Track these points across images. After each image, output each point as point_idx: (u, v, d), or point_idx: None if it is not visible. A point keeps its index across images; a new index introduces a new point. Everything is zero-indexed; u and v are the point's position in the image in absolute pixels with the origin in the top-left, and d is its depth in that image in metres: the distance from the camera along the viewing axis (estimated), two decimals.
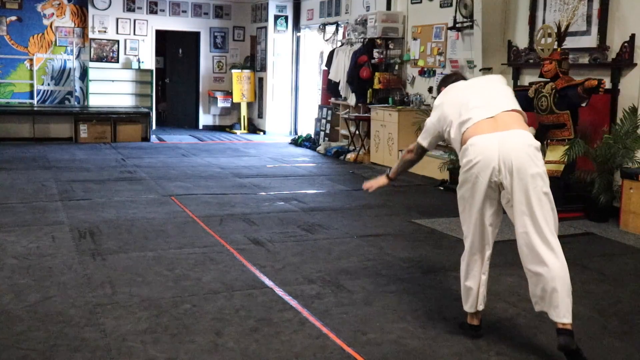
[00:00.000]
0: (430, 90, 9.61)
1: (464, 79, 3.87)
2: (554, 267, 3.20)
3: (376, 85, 10.33)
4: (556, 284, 3.18)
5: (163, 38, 14.84)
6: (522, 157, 3.25)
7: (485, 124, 3.36)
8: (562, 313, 3.17)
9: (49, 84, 13.52)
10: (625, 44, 6.55)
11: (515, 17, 8.06)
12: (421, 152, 3.82)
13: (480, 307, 3.48)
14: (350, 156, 10.59)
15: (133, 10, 13.93)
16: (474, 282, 3.46)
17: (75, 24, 13.60)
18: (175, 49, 15.15)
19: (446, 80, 3.92)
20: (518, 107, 3.55)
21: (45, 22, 13.38)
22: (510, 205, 3.31)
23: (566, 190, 6.66)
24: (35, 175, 8.22)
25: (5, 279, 4.23)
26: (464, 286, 3.50)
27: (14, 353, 3.15)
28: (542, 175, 3.27)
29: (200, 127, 14.96)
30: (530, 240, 3.25)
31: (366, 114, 10.59)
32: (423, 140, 3.76)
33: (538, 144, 3.39)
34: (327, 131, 12.07)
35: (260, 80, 14.51)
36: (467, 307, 3.49)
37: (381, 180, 3.95)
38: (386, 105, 10.10)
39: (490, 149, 3.28)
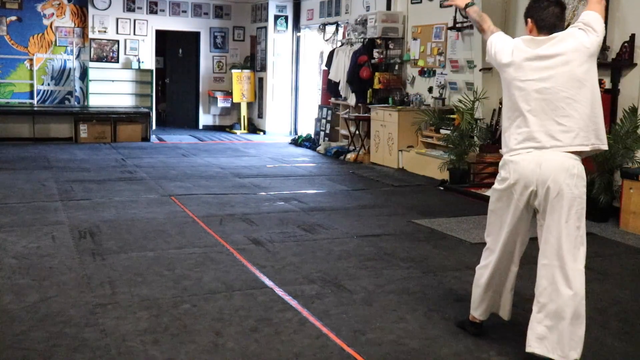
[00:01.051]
0: (430, 90, 9.61)
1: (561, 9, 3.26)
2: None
3: (376, 85, 10.33)
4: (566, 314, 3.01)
5: (163, 38, 14.83)
6: (560, 182, 3.05)
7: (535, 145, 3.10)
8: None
9: (49, 84, 13.52)
10: (625, 44, 6.55)
11: (515, 17, 8.06)
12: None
13: (500, 313, 3.48)
14: (350, 156, 10.58)
15: (133, 10, 13.93)
16: (494, 293, 3.41)
17: (75, 24, 13.60)
18: (175, 49, 15.15)
19: (537, 11, 3.26)
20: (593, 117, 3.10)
21: (45, 22, 13.38)
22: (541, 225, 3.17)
23: None
24: (35, 175, 8.22)
25: (5, 279, 4.23)
26: (481, 294, 3.41)
27: (14, 353, 3.15)
28: (579, 198, 3.07)
29: (200, 127, 14.96)
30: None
31: (366, 114, 10.59)
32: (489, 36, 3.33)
33: (580, 169, 3.12)
34: (327, 131, 12.07)
35: (260, 80, 14.51)
36: (478, 313, 3.46)
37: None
38: (386, 105, 10.10)
39: (530, 169, 3.08)
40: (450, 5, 3.68)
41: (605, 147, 3.13)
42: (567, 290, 3.02)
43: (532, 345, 3.06)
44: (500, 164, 3.28)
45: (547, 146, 3.08)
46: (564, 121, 3.07)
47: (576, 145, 3.08)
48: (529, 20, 3.30)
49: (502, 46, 3.28)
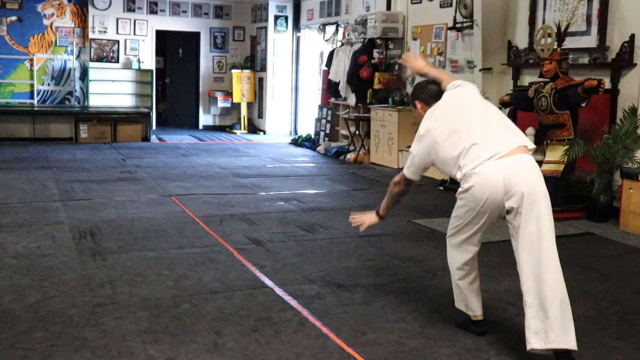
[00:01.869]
0: None
1: (438, 85, 3.60)
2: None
3: (376, 85, 10.33)
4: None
5: (163, 38, 14.83)
6: (529, 181, 3.18)
7: (487, 157, 3.25)
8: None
9: (49, 84, 13.52)
10: (625, 44, 6.55)
11: (515, 17, 8.07)
12: (409, 183, 3.61)
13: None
14: (350, 156, 10.59)
15: (133, 11, 13.93)
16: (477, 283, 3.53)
17: (75, 24, 13.60)
18: (175, 49, 15.14)
19: (421, 93, 3.64)
20: (513, 129, 3.40)
21: (46, 22, 13.38)
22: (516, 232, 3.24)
23: (566, 190, 6.66)
24: (35, 175, 8.22)
25: (5, 279, 4.23)
26: (476, 290, 3.51)
27: (14, 353, 3.15)
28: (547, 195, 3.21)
29: (200, 127, 14.96)
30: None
31: (366, 114, 10.59)
32: (411, 174, 3.54)
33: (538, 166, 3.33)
34: (327, 131, 12.08)
35: (260, 80, 14.51)
36: (476, 308, 3.52)
37: (371, 218, 3.76)
38: (386, 105, 10.10)
39: (495, 176, 3.20)
40: (360, 228, 3.84)
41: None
42: (551, 282, 3.10)
43: (531, 342, 3.09)
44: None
45: (504, 152, 3.24)
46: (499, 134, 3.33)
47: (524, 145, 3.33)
48: (417, 102, 3.64)
49: (425, 149, 3.46)
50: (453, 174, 3.39)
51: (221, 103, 14.82)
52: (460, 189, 3.36)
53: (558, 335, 3.05)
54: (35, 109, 12.71)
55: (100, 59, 13.74)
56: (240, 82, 14.52)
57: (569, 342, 3.06)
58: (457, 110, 3.43)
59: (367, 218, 3.78)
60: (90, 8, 13.50)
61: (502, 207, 3.26)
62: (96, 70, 13.66)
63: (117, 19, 13.78)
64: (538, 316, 3.09)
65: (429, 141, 3.42)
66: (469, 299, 3.52)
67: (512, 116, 7.99)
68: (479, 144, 3.25)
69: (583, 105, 6.56)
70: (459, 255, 3.49)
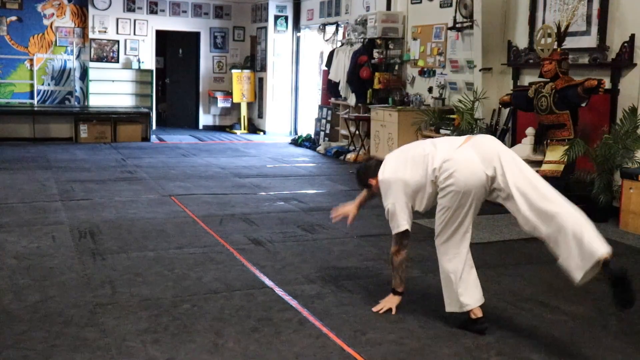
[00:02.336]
0: (430, 90, 9.62)
1: (374, 159, 3.94)
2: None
3: (376, 85, 10.33)
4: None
5: (163, 38, 14.84)
6: (498, 145, 3.53)
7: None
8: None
9: (49, 84, 13.52)
10: (625, 44, 6.55)
11: (515, 17, 8.07)
12: (407, 239, 3.75)
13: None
14: (350, 156, 10.58)
15: (133, 11, 13.93)
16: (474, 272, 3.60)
17: (75, 24, 13.60)
18: (175, 49, 15.15)
19: (368, 171, 3.87)
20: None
21: (46, 22, 13.38)
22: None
23: (566, 190, 6.65)
24: (35, 175, 8.22)
25: (5, 279, 4.23)
26: (475, 279, 3.56)
27: (14, 353, 3.16)
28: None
29: (200, 127, 14.96)
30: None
31: (366, 114, 10.59)
32: (404, 223, 3.68)
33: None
34: (327, 131, 12.07)
35: (260, 80, 14.51)
36: (475, 300, 3.54)
37: (394, 300, 3.82)
38: (386, 105, 10.10)
39: (468, 154, 3.49)
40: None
41: None
42: (559, 213, 3.26)
43: (576, 277, 3.19)
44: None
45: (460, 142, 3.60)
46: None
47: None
48: (370, 180, 3.85)
49: (403, 192, 3.67)
50: (430, 187, 3.58)
51: (221, 103, 14.82)
52: (442, 184, 3.50)
53: (599, 244, 3.14)
54: (35, 109, 12.71)
55: (100, 59, 13.74)
56: (240, 82, 14.52)
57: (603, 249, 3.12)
58: (403, 150, 3.81)
59: (391, 302, 3.82)
60: (90, 8, 13.50)
61: (485, 180, 3.42)
62: (96, 70, 13.66)
63: (117, 19, 13.78)
64: (572, 252, 3.17)
65: (395, 182, 3.64)
66: (468, 290, 3.53)
67: (512, 116, 8.01)
68: (438, 150, 3.58)
69: (583, 105, 6.56)
70: (463, 245, 3.54)
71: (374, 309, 3.84)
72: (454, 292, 3.55)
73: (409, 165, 3.63)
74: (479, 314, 3.54)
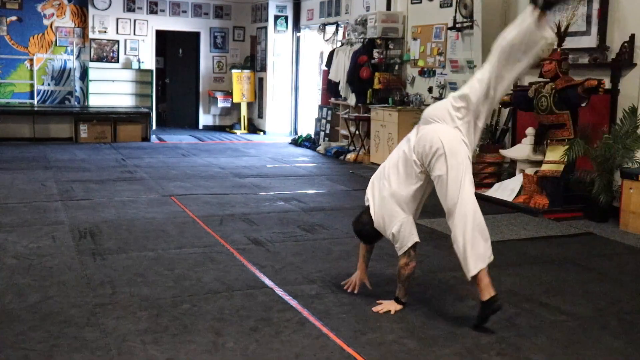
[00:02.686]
0: (430, 90, 9.62)
1: (367, 207, 3.99)
2: None
3: (376, 85, 10.33)
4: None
5: (163, 38, 14.84)
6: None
7: None
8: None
9: (49, 84, 13.52)
10: (625, 44, 6.55)
11: (515, 17, 8.02)
12: (415, 251, 3.84)
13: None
14: (350, 156, 10.59)
15: (133, 11, 13.93)
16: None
17: (75, 24, 13.60)
18: (175, 49, 15.15)
19: (367, 224, 3.97)
20: None
21: (46, 22, 13.38)
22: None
23: (566, 190, 6.66)
24: (35, 175, 8.22)
25: (5, 279, 4.23)
26: (486, 246, 3.70)
27: (14, 353, 3.16)
28: None
29: (200, 127, 14.97)
30: None
31: (366, 114, 10.59)
32: (412, 238, 3.82)
33: None
34: (327, 131, 12.07)
35: (260, 80, 14.51)
36: (487, 260, 3.70)
37: (395, 306, 3.85)
38: (386, 105, 10.10)
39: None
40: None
41: None
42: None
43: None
44: None
45: None
46: None
47: None
48: (370, 229, 3.98)
49: (404, 223, 3.86)
50: (422, 177, 3.85)
51: (221, 103, 14.82)
52: (427, 158, 3.71)
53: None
54: (35, 109, 12.71)
55: (100, 59, 13.74)
56: (240, 82, 14.52)
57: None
58: (383, 166, 3.96)
59: (393, 306, 3.85)
60: (90, 8, 13.51)
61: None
62: (96, 70, 13.67)
63: (117, 19, 13.78)
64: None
65: (385, 207, 3.81)
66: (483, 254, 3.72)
67: (512, 116, 8.00)
68: (411, 141, 3.83)
69: (583, 105, 6.56)
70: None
71: (374, 309, 3.84)
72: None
73: (391, 174, 3.81)
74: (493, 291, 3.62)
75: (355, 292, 4.09)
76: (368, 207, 3.93)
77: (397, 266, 3.84)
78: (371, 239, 4.04)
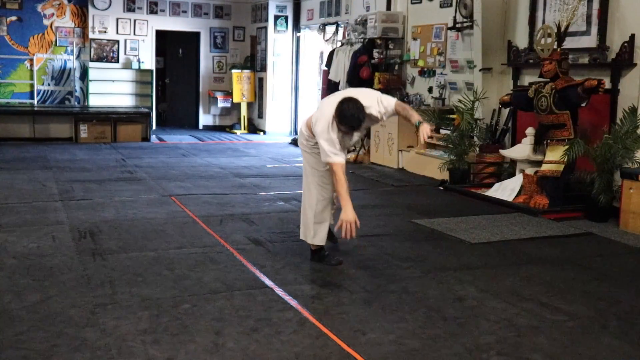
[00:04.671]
0: (430, 90, 9.62)
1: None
2: None
3: (376, 85, 10.32)
4: None
5: (163, 38, 14.83)
6: None
7: None
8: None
9: (49, 84, 13.52)
10: (625, 44, 6.55)
11: (515, 17, 8.07)
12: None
13: None
14: (350, 156, 10.58)
15: (133, 11, 13.93)
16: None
17: (75, 24, 13.61)
18: (175, 49, 15.15)
19: (361, 105, 4.42)
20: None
21: (46, 22, 13.38)
22: None
23: (566, 190, 6.67)
24: (35, 175, 8.22)
25: (5, 279, 4.23)
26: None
27: (14, 353, 3.16)
28: None
29: (200, 127, 14.96)
30: None
31: None
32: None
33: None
34: None
35: (260, 80, 14.51)
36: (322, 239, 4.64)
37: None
38: None
39: None
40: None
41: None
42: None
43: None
44: None
45: None
46: None
47: None
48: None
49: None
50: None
51: (221, 103, 14.82)
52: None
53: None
54: (35, 109, 12.71)
55: (100, 59, 13.74)
56: (240, 82, 14.52)
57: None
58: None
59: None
60: (90, 8, 13.51)
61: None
62: (96, 70, 13.67)
63: (117, 19, 13.78)
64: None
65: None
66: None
67: (512, 116, 8.00)
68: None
69: (583, 105, 6.57)
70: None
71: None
72: None
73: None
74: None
75: (354, 236, 4.32)
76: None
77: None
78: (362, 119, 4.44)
